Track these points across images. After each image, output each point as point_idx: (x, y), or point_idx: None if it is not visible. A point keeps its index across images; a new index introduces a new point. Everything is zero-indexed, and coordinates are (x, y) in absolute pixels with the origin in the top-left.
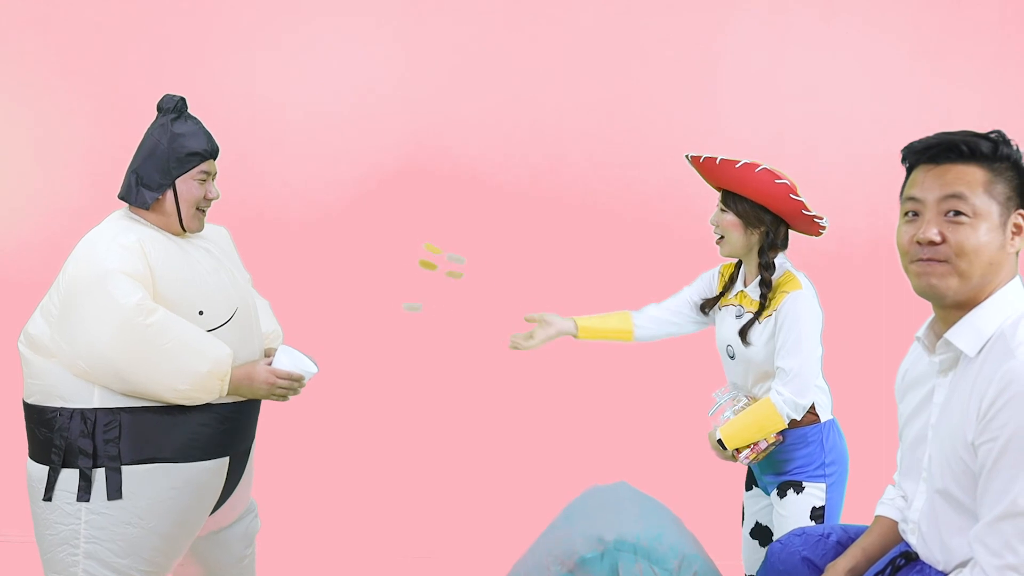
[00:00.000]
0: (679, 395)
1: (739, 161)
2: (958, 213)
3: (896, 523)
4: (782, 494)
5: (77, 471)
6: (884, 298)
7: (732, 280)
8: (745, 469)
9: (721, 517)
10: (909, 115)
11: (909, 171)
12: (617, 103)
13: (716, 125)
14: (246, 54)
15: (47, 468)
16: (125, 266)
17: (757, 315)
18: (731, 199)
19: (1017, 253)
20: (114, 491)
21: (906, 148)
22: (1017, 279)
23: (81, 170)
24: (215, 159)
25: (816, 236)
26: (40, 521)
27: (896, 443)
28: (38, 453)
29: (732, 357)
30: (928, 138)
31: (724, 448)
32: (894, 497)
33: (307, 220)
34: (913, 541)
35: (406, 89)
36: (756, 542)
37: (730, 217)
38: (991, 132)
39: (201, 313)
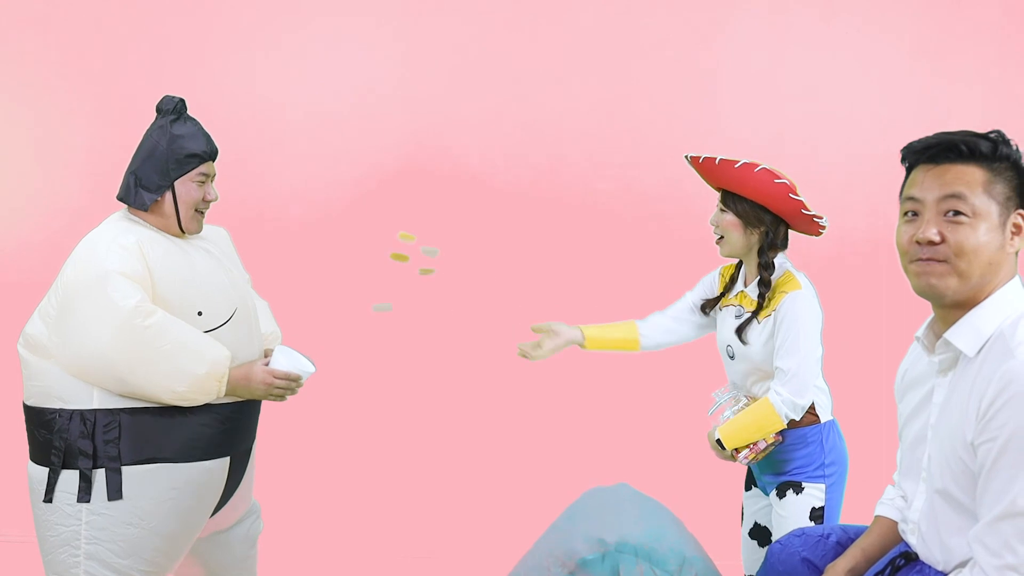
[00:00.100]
0: (679, 395)
1: (738, 161)
2: (957, 213)
3: (896, 523)
4: (781, 494)
5: (77, 472)
6: (884, 298)
7: (733, 280)
8: (744, 469)
9: (720, 517)
10: (909, 115)
11: (909, 171)
12: (617, 103)
13: (716, 125)
14: (246, 54)
15: (47, 470)
16: (124, 267)
17: (755, 314)
18: (731, 199)
19: (1016, 253)
20: (114, 492)
21: (905, 148)
22: (1017, 279)
23: (81, 170)
24: (214, 161)
25: (816, 236)
26: (41, 523)
27: (896, 443)
28: (38, 455)
29: (732, 357)
30: (927, 138)
31: (723, 448)
32: (894, 497)
33: (307, 220)
34: (913, 541)
35: (406, 89)
36: (755, 542)
37: (730, 217)
38: (991, 132)
39: (200, 314)
